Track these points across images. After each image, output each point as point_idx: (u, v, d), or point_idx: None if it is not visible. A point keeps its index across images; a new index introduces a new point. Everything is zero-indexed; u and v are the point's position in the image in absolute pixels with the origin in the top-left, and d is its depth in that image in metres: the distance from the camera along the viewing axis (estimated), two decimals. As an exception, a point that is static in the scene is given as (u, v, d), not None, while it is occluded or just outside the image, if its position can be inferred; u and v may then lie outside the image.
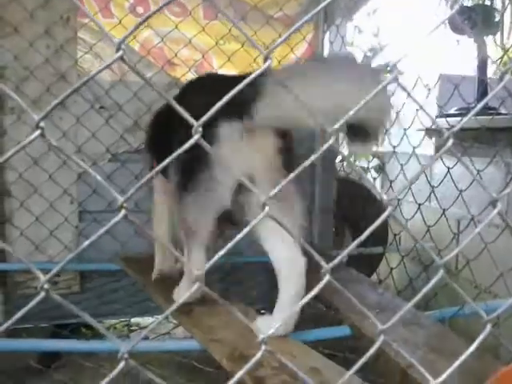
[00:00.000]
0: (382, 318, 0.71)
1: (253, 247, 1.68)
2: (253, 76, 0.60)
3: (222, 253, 0.58)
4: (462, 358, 0.72)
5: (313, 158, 0.63)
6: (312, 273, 1.46)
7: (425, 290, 0.66)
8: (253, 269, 2.34)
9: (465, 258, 2.04)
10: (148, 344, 1.74)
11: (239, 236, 0.59)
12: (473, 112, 0.75)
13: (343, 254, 0.64)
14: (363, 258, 2.64)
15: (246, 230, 0.59)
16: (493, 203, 0.75)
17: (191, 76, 2.94)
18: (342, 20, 3.09)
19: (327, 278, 0.63)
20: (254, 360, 0.57)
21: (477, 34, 3.46)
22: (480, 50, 3.27)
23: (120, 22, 2.69)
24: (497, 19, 5.15)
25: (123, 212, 0.55)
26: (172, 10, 3.12)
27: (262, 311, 1.87)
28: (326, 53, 3.47)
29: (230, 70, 2.87)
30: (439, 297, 1.79)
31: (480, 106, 0.76)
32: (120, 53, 0.56)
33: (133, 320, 2.61)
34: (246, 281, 2.31)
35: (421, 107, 0.77)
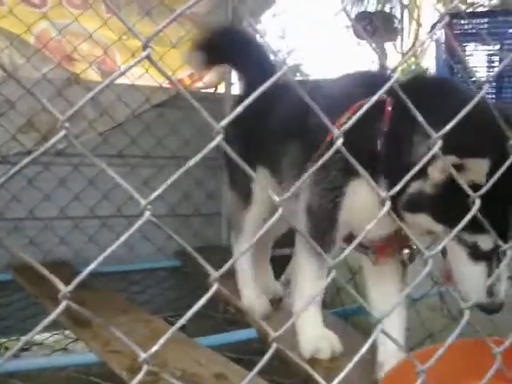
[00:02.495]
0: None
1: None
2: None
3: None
4: (357, 356, 0.72)
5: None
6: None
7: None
8: (160, 276, 2.28)
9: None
10: (35, 361, 1.61)
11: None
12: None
13: (230, 263, 0.61)
14: (276, 259, 2.65)
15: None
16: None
17: (92, 72, 2.80)
18: (249, 20, 3.09)
19: (215, 286, 0.59)
20: (137, 379, 0.53)
21: (377, 39, 3.63)
22: (380, 54, 3.43)
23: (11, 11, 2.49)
24: (396, 26, 5.45)
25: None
26: (71, 1, 2.94)
27: (170, 318, 1.81)
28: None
29: (134, 68, 2.76)
30: (344, 295, 1.84)
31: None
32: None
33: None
34: (151, 288, 2.24)
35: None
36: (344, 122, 1.20)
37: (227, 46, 1.87)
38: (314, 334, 1.39)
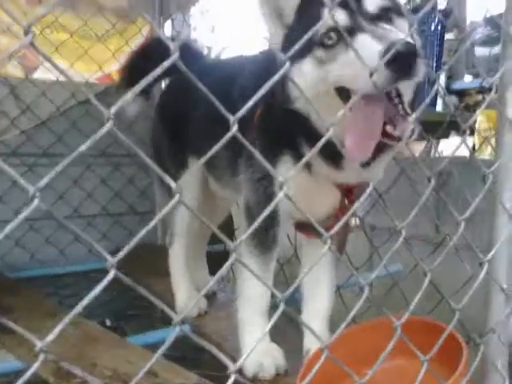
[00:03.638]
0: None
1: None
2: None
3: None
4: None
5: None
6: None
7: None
8: (92, 278, 2.21)
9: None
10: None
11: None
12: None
13: (127, 248, 0.61)
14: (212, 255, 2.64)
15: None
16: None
17: (10, 66, 2.66)
18: (177, 14, 3.06)
19: (112, 273, 0.59)
20: (30, 371, 0.52)
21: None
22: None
23: None
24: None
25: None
26: (-14, -8, 2.77)
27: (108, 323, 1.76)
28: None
29: (57, 61, 2.65)
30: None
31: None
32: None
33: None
34: (84, 291, 2.17)
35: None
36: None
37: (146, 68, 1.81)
38: (257, 349, 1.25)
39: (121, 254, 0.62)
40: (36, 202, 0.53)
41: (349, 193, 1.22)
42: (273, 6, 1.12)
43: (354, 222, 1.22)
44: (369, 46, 0.91)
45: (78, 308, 0.59)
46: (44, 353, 0.53)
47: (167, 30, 3.30)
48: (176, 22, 3.18)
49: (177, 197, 0.60)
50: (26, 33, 0.52)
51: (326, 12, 0.94)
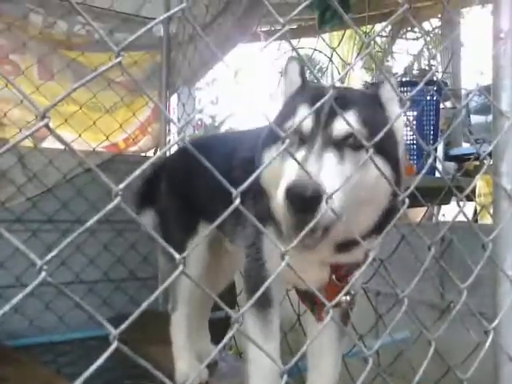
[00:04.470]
0: None
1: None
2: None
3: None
4: None
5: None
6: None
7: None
8: (90, 345, 2.16)
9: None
10: None
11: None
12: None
13: (130, 320, 0.61)
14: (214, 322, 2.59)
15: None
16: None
17: (20, 136, 2.75)
18: (183, 88, 3.21)
19: (115, 345, 0.59)
20: None
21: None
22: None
23: None
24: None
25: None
26: (2, 68, 2.93)
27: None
28: (172, 117, 3.56)
29: (67, 133, 2.74)
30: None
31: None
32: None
33: None
34: (81, 359, 2.11)
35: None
36: None
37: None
38: None
39: (123, 326, 0.62)
40: (43, 274, 0.54)
41: (337, 269, 1.23)
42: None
43: (345, 299, 1.22)
44: (289, 173, 0.97)
45: (80, 381, 0.58)
46: None
47: (173, 101, 3.45)
48: (182, 95, 3.32)
49: (180, 268, 0.62)
50: (43, 117, 0.57)
51: (298, 113, 1.10)
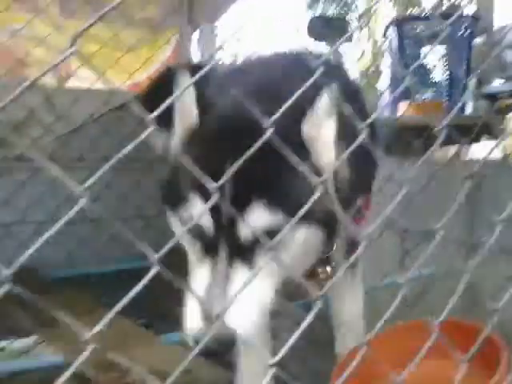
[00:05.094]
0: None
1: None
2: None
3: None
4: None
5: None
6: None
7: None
8: (127, 277, 2.24)
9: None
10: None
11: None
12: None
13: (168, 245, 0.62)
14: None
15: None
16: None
17: (46, 77, 2.74)
18: (205, 24, 3.12)
19: (155, 269, 0.60)
20: (77, 362, 0.53)
21: (332, 41, 3.74)
22: (335, 56, 3.53)
23: None
24: (350, 29, 5.60)
25: None
26: (23, 6, 2.88)
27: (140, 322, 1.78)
28: (193, 55, 3.49)
29: (88, 72, 2.72)
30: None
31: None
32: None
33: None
34: (119, 291, 2.20)
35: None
36: None
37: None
38: None
39: (163, 250, 0.63)
40: (83, 201, 0.54)
41: None
42: None
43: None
44: (194, 300, 0.80)
45: (124, 301, 0.60)
46: (91, 344, 0.55)
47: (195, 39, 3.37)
48: (204, 32, 3.24)
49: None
50: (72, 45, 0.55)
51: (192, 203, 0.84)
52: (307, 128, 0.88)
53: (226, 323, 0.75)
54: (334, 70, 0.84)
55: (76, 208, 0.52)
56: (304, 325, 0.69)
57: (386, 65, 4.63)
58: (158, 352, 1.36)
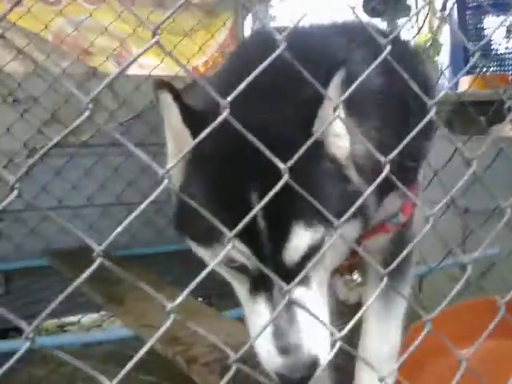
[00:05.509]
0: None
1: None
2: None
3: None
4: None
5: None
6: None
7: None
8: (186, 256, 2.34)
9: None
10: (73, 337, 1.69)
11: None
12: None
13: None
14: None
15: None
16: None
17: (110, 65, 2.86)
18: (259, 5, 3.12)
19: (230, 246, 0.62)
20: (162, 329, 0.58)
21: (389, 16, 3.63)
22: (392, 30, 3.43)
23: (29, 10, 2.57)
24: (408, 2, 5.40)
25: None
26: (85, -4, 3.00)
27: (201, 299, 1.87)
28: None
29: (149, 58, 2.81)
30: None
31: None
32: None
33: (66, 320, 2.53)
34: (178, 269, 2.31)
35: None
36: None
37: None
38: None
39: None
40: (166, 182, 0.58)
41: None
42: None
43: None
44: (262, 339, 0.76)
45: (202, 276, 0.63)
46: (173, 313, 0.59)
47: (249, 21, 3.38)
48: (258, 13, 3.24)
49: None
50: (154, 35, 0.58)
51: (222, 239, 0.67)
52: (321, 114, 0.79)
53: (305, 351, 0.75)
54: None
55: (161, 187, 0.57)
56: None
57: (446, 38, 4.44)
58: (222, 326, 1.42)
